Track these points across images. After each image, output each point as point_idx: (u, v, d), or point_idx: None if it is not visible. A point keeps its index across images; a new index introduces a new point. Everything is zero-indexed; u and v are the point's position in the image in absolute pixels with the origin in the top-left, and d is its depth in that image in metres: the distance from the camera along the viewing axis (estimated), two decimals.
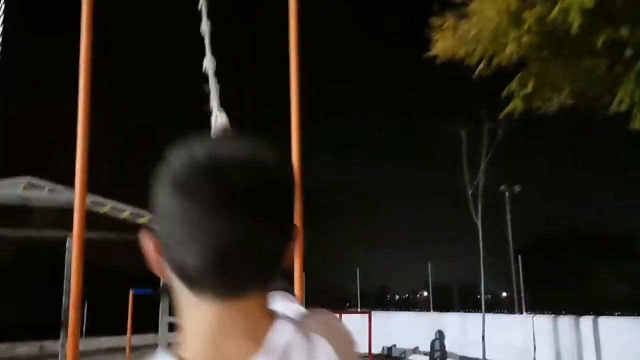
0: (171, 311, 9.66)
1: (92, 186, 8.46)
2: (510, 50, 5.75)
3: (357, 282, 15.30)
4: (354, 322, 8.69)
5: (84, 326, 11.37)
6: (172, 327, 14.66)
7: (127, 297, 12.37)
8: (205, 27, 1.68)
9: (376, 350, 13.67)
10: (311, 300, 17.03)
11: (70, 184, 7.95)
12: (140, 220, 8.63)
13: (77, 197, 4.28)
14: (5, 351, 15.65)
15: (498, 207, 13.89)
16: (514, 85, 6.31)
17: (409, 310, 14.76)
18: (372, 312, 14.74)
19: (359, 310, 6.96)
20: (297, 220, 4.71)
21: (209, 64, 1.39)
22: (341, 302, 17.65)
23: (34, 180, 7.83)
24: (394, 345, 13.39)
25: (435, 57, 6.52)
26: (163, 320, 8.86)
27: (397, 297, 34.93)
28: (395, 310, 17.17)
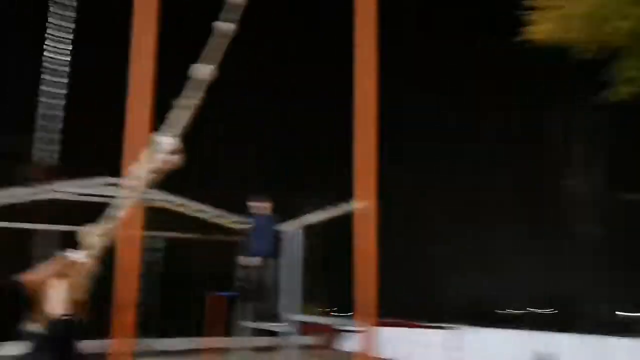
0: (245, 315, 9.49)
1: (175, 187, 8.37)
2: (627, 26, 4.95)
3: (447, 294, 14.43)
4: (429, 339, 8.00)
5: (159, 327, 11.49)
6: (251, 331, 14.59)
7: (202, 299, 12.45)
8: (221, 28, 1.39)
9: None
10: (394, 311, 16.34)
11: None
12: (224, 222, 8.45)
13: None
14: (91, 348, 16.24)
15: (622, 214, 12.39)
16: (622, 67, 5.49)
17: (510, 328, 13.66)
18: (463, 328, 13.83)
19: (437, 325, 6.37)
20: (372, 218, 4.17)
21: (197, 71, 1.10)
22: (430, 315, 16.78)
23: (112, 180, 7.85)
24: None
25: (531, 41, 5.79)
26: (240, 323, 8.65)
27: (497, 311, 32.99)
28: (494, 326, 15.96)
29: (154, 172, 0.98)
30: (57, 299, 0.93)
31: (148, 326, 8.04)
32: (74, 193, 7.79)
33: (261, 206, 7.89)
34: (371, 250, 4.13)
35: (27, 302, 0.90)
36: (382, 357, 8.48)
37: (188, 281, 20.55)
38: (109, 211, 0.99)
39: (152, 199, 8.16)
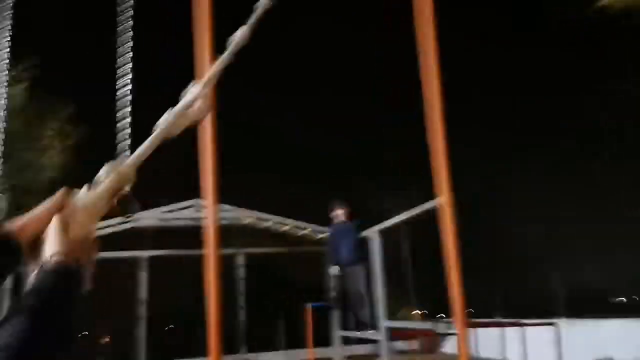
0: (345, 325, 9.49)
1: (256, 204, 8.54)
2: None
3: (555, 286, 13.73)
4: (538, 335, 7.60)
5: (255, 341, 11.69)
6: (346, 341, 14.57)
7: (293, 310, 12.49)
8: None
9: None
10: (501, 309, 15.73)
11: (231, 203, 8.19)
12: (301, 233, 8.54)
13: (209, 213, 4.16)
14: None
15: None
16: None
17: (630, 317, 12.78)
18: (578, 320, 13.11)
19: (550, 321, 6.04)
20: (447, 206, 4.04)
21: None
22: (539, 308, 15.99)
23: (200, 202, 8.14)
24: (611, 359, 11.57)
25: (605, 7, 5.40)
26: (336, 333, 8.66)
27: (615, 299, 30.93)
28: (611, 316, 14.95)
29: (181, 117, 0.92)
30: (50, 242, 0.73)
31: (242, 342, 8.25)
32: (160, 219, 8.16)
33: (337, 214, 7.86)
34: (453, 249, 3.99)
35: (20, 252, 0.72)
36: (484, 356, 8.21)
37: (282, 294, 20.99)
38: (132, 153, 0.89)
39: (235, 217, 8.38)
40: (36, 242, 0.89)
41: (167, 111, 1.11)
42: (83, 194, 0.97)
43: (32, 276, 0.81)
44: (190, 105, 1.12)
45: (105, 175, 1.01)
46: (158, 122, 1.10)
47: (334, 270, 7.85)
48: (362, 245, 7.52)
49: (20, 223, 0.89)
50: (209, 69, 1.10)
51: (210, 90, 1.20)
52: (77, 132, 13.36)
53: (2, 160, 5.76)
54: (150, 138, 1.08)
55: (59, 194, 0.93)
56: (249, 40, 1.37)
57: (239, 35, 1.38)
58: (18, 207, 11.42)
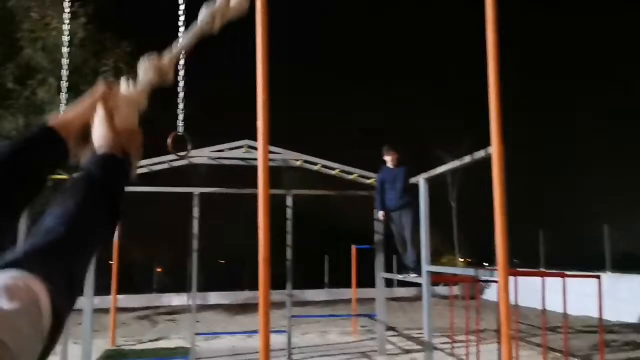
0: (387, 267, 9.69)
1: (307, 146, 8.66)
2: None
3: (605, 243, 13.48)
4: (581, 287, 7.59)
5: (300, 279, 12.01)
6: (389, 283, 14.80)
7: (339, 251, 12.70)
8: None
9: (632, 319, 11.89)
10: (549, 261, 15.62)
11: (283, 145, 8.31)
12: (351, 177, 8.62)
13: (260, 154, 4.27)
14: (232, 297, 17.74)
15: None
16: None
17: None
18: (626, 275, 12.94)
19: (594, 273, 6.01)
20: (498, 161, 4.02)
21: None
22: (589, 264, 15.78)
23: (251, 143, 8.29)
24: None
25: None
26: (379, 275, 8.87)
27: None
28: None
29: (219, 11, 0.89)
30: (98, 133, 0.87)
31: (291, 278, 8.56)
32: (211, 158, 8.37)
33: (388, 158, 7.89)
34: (501, 199, 3.99)
35: (65, 145, 0.73)
36: (524, 305, 8.29)
37: (328, 235, 21.43)
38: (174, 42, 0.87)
39: (286, 159, 8.52)
40: (82, 134, 0.89)
41: (204, 5, 1.08)
42: (124, 87, 0.98)
43: (82, 165, 0.84)
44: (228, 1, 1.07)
45: (145, 69, 1.03)
46: (198, 17, 1.08)
47: (381, 214, 7.96)
48: (411, 191, 7.57)
49: (63, 117, 0.90)
50: None
51: None
52: (134, 67, 13.66)
53: (66, 94, 6.01)
54: (189, 33, 1.07)
55: (100, 86, 0.93)
56: None
57: None
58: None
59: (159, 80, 1.02)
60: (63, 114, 0.89)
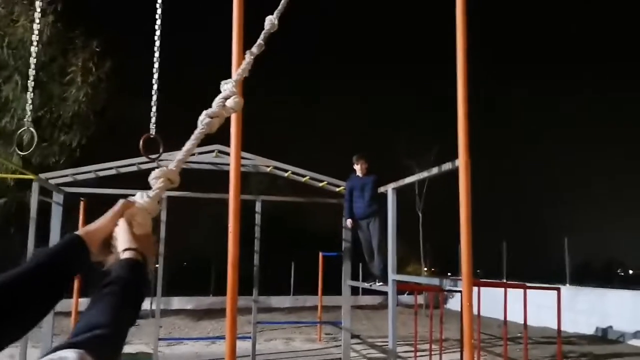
0: (354, 275, 9.75)
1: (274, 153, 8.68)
2: None
3: (565, 254, 13.84)
4: (545, 298, 7.81)
5: (266, 285, 11.98)
6: (354, 291, 14.83)
7: (306, 258, 12.68)
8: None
9: (588, 330, 12.24)
10: (512, 273, 15.95)
11: (252, 151, 8.31)
12: (320, 185, 8.67)
13: (232, 160, 4.28)
14: (201, 303, 17.63)
15: None
16: None
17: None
18: (584, 288, 13.30)
19: (554, 286, 6.13)
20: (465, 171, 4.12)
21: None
22: (550, 276, 16.17)
23: (222, 148, 8.26)
24: (611, 327, 11.84)
25: None
26: (346, 283, 8.91)
27: (630, 272, 31.06)
28: (616, 286, 15.08)
29: (215, 115, 0.99)
30: (121, 241, 1.05)
31: (253, 284, 8.54)
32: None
33: (357, 167, 7.96)
34: (467, 210, 4.10)
35: (88, 254, 0.86)
36: (486, 316, 8.46)
37: (296, 242, 21.41)
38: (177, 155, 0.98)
39: (257, 165, 8.53)
40: (104, 244, 1.07)
41: (204, 112, 1.22)
42: (139, 198, 1.14)
43: (109, 270, 1.03)
44: (224, 103, 1.22)
45: (155, 180, 1.17)
46: (199, 121, 1.20)
47: (349, 222, 8.02)
48: (379, 200, 7.64)
49: (89, 229, 1.06)
50: (238, 67, 1.19)
51: (239, 87, 1.29)
52: (102, 66, 13.49)
53: (32, 92, 5.89)
54: (191, 140, 1.21)
55: (120, 203, 1.12)
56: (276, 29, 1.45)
57: (268, 23, 1.46)
58: (44, 140, 11.67)
59: (168, 187, 1.18)
60: (89, 226, 1.07)
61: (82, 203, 9.45)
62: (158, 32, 5.22)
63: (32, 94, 5.94)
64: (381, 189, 7.54)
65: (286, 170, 8.63)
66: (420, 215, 24.47)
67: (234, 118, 4.16)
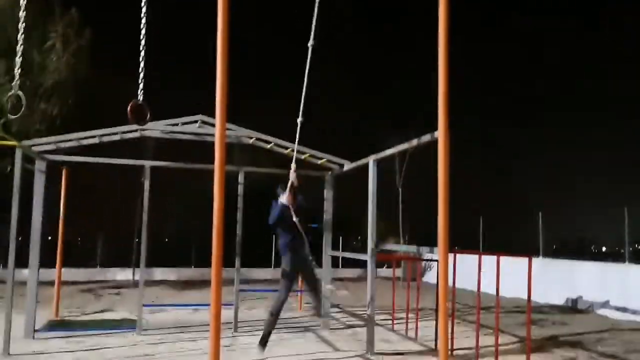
0: (334, 246, 9.92)
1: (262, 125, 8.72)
2: None
3: (540, 229, 14.22)
4: (518, 269, 8.10)
5: (247, 257, 12.05)
6: (335, 263, 15.01)
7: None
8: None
9: (559, 301, 12.69)
10: (487, 244, 16.36)
11: (237, 122, 8.37)
12: (303, 157, 8.75)
13: (217, 130, 4.35)
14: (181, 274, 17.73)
15: None
16: None
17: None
18: (555, 260, 13.73)
19: (523, 255, 6.34)
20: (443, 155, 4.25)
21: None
22: (525, 250, 16.58)
23: (205, 118, 8.29)
24: (580, 297, 12.30)
25: None
26: (326, 253, 9.10)
27: (604, 249, 32.05)
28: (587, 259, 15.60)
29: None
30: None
31: (239, 254, 8.68)
32: (164, 131, 8.34)
33: (283, 199, 6.69)
34: (445, 180, 4.27)
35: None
36: (462, 287, 8.72)
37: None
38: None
39: (239, 136, 8.59)
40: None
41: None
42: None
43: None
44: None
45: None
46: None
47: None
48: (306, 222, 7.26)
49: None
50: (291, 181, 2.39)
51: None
52: (81, 36, 13.35)
53: (20, 57, 5.86)
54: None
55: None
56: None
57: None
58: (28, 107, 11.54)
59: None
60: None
61: (64, 171, 9.44)
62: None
63: (20, 58, 5.92)
64: (362, 161, 7.67)
65: (269, 142, 8.71)
66: (400, 190, 24.78)
67: (218, 87, 4.20)
